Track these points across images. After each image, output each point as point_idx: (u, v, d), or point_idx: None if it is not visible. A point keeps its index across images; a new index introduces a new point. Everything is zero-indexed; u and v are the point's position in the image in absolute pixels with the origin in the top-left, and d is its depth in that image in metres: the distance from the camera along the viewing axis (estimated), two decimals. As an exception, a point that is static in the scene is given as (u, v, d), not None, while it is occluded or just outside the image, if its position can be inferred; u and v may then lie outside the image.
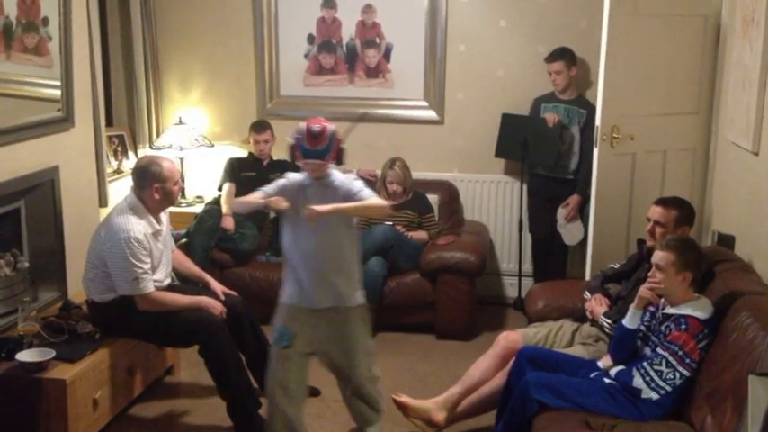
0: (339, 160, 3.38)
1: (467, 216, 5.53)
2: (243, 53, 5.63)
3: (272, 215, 5.18)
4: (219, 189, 5.28)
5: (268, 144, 5.31)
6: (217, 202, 5.22)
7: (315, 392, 4.10)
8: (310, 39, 5.58)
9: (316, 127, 3.29)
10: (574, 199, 5.12)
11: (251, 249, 5.07)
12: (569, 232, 5.19)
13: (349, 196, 3.32)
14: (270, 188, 3.43)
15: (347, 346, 3.43)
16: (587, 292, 3.76)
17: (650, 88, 4.40)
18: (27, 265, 3.99)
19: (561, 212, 5.18)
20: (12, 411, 3.34)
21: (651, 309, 3.18)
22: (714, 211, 4.42)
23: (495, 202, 5.51)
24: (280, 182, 3.46)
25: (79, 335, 3.67)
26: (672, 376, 2.96)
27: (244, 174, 5.27)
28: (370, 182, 5.36)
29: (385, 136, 5.57)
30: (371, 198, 3.34)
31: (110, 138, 5.28)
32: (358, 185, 3.37)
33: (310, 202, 3.25)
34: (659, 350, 3.00)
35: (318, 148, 3.28)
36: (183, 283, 4.07)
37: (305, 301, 3.38)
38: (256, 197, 3.38)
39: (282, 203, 3.28)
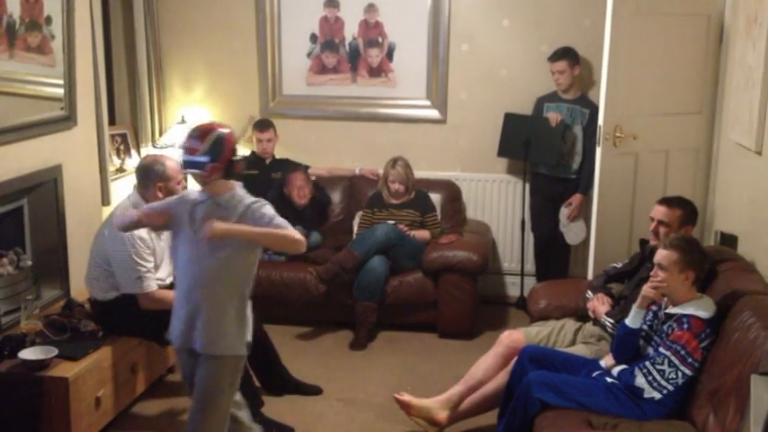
0: (230, 173, 2.84)
1: (469, 215, 5.53)
2: (246, 52, 5.64)
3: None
4: (222, 188, 5.28)
5: (271, 143, 5.32)
6: (219, 200, 5.22)
7: (316, 391, 4.11)
8: (313, 38, 5.58)
9: (196, 130, 2.83)
10: (576, 198, 5.12)
11: (253, 248, 5.06)
12: (572, 232, 5.19)
13: (253, 224, 2.80)
14: (157, 204, 3.09)
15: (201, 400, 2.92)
16: (590, 292, 3.76)
17: (653, 88, 4.39)
18: (30, 263, 3.99)
19: (564, 212, 5.17)
20: (14, 409, 3.35)
21: (654, 308, 3.18)
22: (717, 211, 4.41)
23: (497, 201, 5.51)
24: (174, 197, 3.11)
25: (82, 333, 3.67)
26: (674, 376, 2.96)
27: (246, 172, 5.26)
28: (373, 181, 5.38)
29: (387, 135, 5.57)
30: (288, 229, 2.81)
31: (112, 136, 5.28)
32: (269, 213, 2.85)
33: (197, 222, 2.81)
34: (662, 350, 2.99)
35: (195, 157, 2.77)
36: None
37: (182, 340, 2.94)
38: (135, 212, 3.02)
39: (156, 220, 2.90)
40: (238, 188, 2.90)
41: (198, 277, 2.86)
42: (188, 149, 2.80)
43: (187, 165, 2.82)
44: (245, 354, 2.95)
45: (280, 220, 2.83)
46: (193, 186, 3.21)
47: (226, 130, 2.85)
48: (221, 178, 2.84)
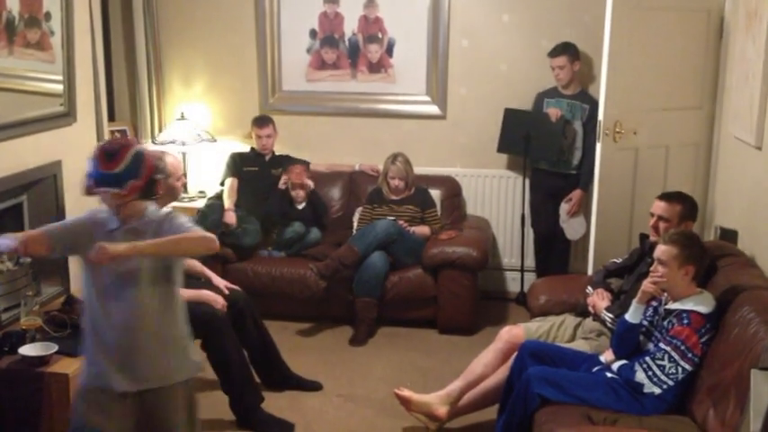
0: (150, 193, 2.59)
1: (469, 211, 5.53)
2: (245, 48, 5.63)
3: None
4: (222, 184, 5.29)
5: (270, 139, 5.32)
6: (219, 197, 5.23)
7: (316, 387, 4.12)
8: (312, 34, 5.57)
9: (112, 145, 2.60)
10: (576, 194, 5.12)
11: (253, 244, 5.07)
12: (571, 227, 5.19)
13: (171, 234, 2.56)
14: (53, 226, 2.68)
15: None
16: (589, 287, 3.76)
17: (653, 83, 4.39)
18: (29, 259, 3.99)
19: (564, 207, 5.17)
20: (15, 405, 3.35)
21: (654, 304, 3.18)
22: (717, 206, 4.41)
23: (497, 197, 5.51)
24: (82, 216, 2.69)
25: (82, 329, 3.66)
26: (674, 371, 2.96)
27: (246, 168, 5.28)
28: (372, 177, 5.38)
29: (387, 131, 5.56)
30: (192, 230, 2.58)
31: (112, 132, 5.28)
32: (185, 220, 2.64)
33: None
34: (661, 345, 2.99)
35: (115, 171, 2.51)
36: (185, 278, 4.06)
37: (108, 381, 2.60)
38: (10, 240, 2.60)
39: (37, 249, 2.56)
40: (150, 206, 2.65)
41: (128, 310, 2.58)
42: (103, 165, 2.52)
43: (102, 182, 2.52)
44: (196, 373, 2.75)
45: (187, 224, 2.62)
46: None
47: (143, 147, 2.64)
48: (138, 199, 2.58)
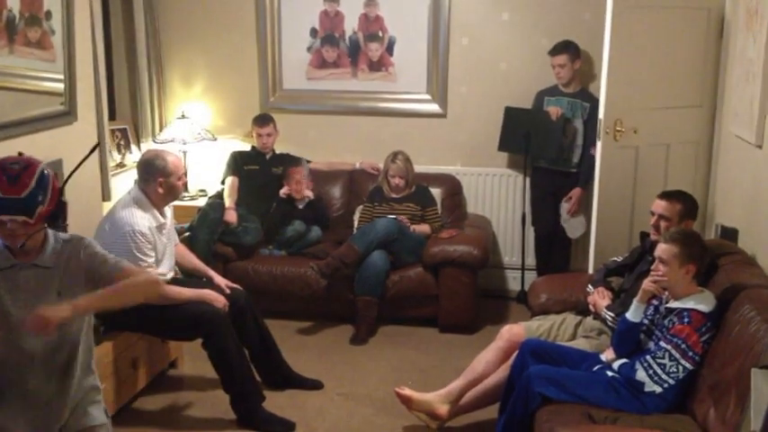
0: (57, 218, 2.28)
1: (470, 209, 5.53)
2: (246, 47, 5.63)
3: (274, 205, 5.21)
4: (222, 183, 5.29)
5: (271, 137, 5.31)
6: (220, 195, 5.23)
7: (317, 385, 4.12)
8: (313, 32, 5.57)
9: (13, 164, 2.19)
10: (576, 192, 5.12)
11: (254, 243, 5.08)
12: (572, 226, 5.19)
13: (95, 273, 2.28)
14: None
15: None
16: (590, 286, 3.76)
17: (653, 81, 4.39)
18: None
19: (564, 207, 5.17)
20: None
21: (654, 302, 3.18)
22: (717, 205, 4.41)
23: (497, 195, 5.51)
24: None
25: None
26: (675, 369, 2.96)
27: (247, 167, 5.28)
28: (373, 175, 5.38)
29: (388, 129, 5.57)
30: (125, 269, 2.30)
31: (113, 131, 5.28)
32: (103, 251, 2.38)
33: (21, 295, 2.23)
34: (662, 343, 3.00)
35: (22, 196, 2.15)
36: (187, 278, 4.08)
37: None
38: None
39: None
40: (49, 233, 2.32)
41: (44, 364, 2.32)
42: (4, 188, 2.14)
43: (6, 207, 2.14)
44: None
45: (118, 259, 2.36)
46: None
47: (45, 165, 2.29)
48: (43, 228, 2.25)
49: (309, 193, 5.19)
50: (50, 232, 2.33)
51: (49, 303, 2.20)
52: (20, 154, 2.27)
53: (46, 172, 2.26)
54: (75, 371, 2.42)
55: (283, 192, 5.16)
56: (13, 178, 2.16)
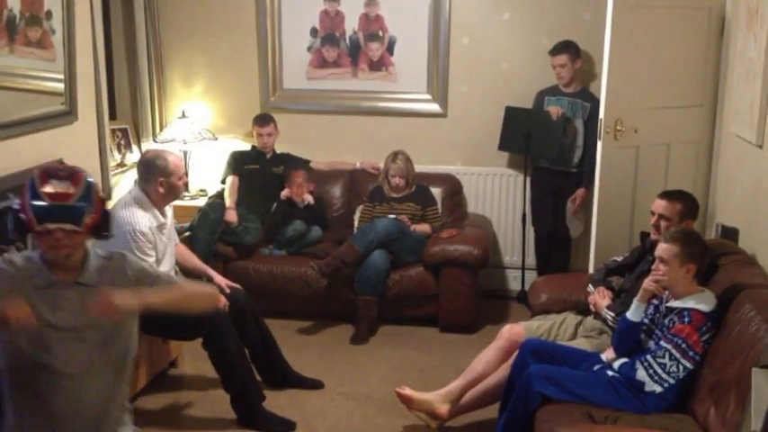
0: (104, 230, 2.20)
1: (470, 209, 5.53)
2: (246, 46, 5.63)
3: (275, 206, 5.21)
4: (223, 182, 5.29)
5: (271, 137, 5.31)
6: (220, 195, 5.23)
7: (318, 385, 4.12)
8: (313, 32, 5.57)
9: (59, 170, 2.15)
10: (580, 193, 5.11)
11: (254, 242, 5.08)
12: (573, 225, 5.20)
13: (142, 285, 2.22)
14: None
15: None
16: (590, 286, 3.76)
17: (654, 81, 4.39)
18: None
19: (569, 207, 5.17)
20: None
21: (655, 302, 3.18)
22: (718, 204, 4.41)
23: (498, 195, 5.51)
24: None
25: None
26: (675, 369, 2.96)
27: (247, 167, 5.28)
28: (373, 175, 5.38)
29: (388, 129, 5.57)
30: (191, 284, 2.32)
31: (113, 131, 5.28)
32: (151, 267, 2.35)
33: (63, 314, 2.13)
34: (662, 343, 3.00)
35: (70, 203, 2.08)
36: (187, 277, 4.07)
37: None
38: None
39: (23, 315, 2.03)
40: (89, 250, 2.25)
41: (88, 387, 2.22)
42: (55, 194, 2.07)
43: (55, 215, 2.06)
44: None
45: (169, 274, 2.37)
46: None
47: (89, 173, 2.24)
48: (89, 238, 2.18)
49: (310, 198, 5.18)
50: (91, 248, 2.26)
51: (93, 324, 2.14)
52: (60, 162, 2.24)
53: (92, 181, 2.21)
54: (120, 391, 2.35)
55: (284, 195, 5.16)
56: (59, 185, 2.11)
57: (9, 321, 2.01)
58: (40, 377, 2.16)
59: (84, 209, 2.10)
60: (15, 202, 2.10)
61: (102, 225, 2.17)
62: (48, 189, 2.09)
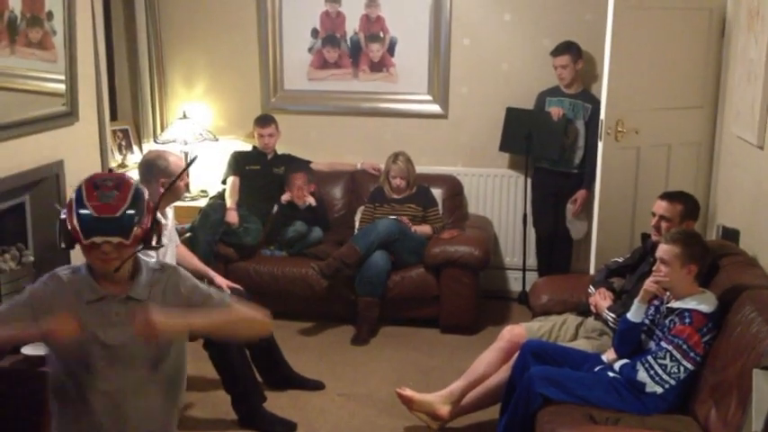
0: (154, 239, 2.09)
1: (471, 210, 5.53)
2: (247, 47, 5.63)
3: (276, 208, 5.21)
4: (223, 183, 5.29)
5: (272, 138, 5.31)
6: (221, 196, 5.23)
7: (318, 386, 4.12)
8: (314, 33, 5.57)
9: (106, 180, 2.05)
10: (581, 194, 5.11)
11: (255, 243, 5.08)
12: (575, 227, 5.19)
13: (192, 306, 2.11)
14: (18, 305, 2.12)
15: None
16: (591, 287, 3.76)
17: (655, 82, 4.39)
18: (32, 259, 3.99)
19: (570, 208, 5.17)
20: (17, 404, 3.35)
21: (656, 303, 3.18)
22: (719, 205, 4.41)
23: (499, 196, 5.51)
24: (32, 293, 2.15)
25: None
26: (676, 370, 2.96)
27: (248, 167, 5.28)
28: (374, 176, 5.38)
29: (389, 130, 5.57)
30: (244, 307, 2.17)
31: (114, 132, 5.29)
32: (202, 286, 2.20)
33: (112, 330, 2.06)
34: (663, 344, 2.99)
35: (117, 215, 1.99)
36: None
37: None
38: (12, 328, 2.09)
39: (71, 329, 1.98)
40: (140, 261, 2.14)
41: (131, 409, 2.14)
42: (101, 206, 1.98)
43: (103, 227, 1.98)
44: None
45: (222, 294, 2.24)
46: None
47: (138, 182, 2.14)
48: (139, 250, 2.07)
49: (311, 200, 5.18)
50: (141, 260, 2.15)
51: (142, 341, 2.06)
52: (110, 170, 2.18)
53: (141, 189, 2.09)
54: (172, 416, 2.27)
55: (285, 198, 5.16)
56: (107, 196, 2.01)
57: (56, 335, 1.98)
58: (85, 393, 2.11)
59: (133, 220, 2.01)
60: (63, 212, 2.03)
61: (153, 235, 2.08)
62: (94, 201, 2.00)
